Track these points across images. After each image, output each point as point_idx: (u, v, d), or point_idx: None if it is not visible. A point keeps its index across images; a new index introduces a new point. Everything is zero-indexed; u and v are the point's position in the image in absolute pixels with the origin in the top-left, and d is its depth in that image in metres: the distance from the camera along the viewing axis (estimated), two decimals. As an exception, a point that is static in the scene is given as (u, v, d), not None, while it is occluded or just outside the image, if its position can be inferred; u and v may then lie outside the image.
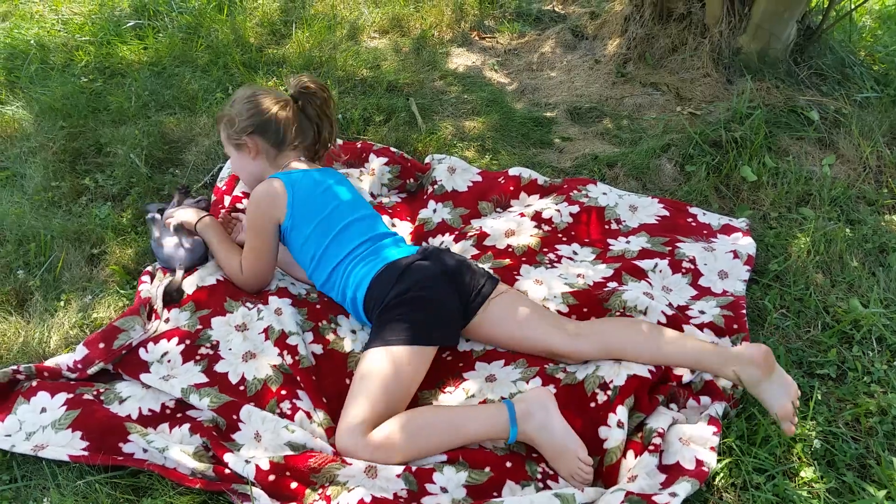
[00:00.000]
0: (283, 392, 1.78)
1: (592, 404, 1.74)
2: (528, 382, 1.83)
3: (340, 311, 2.09)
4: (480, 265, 2.12)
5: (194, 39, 3.41)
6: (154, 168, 2.62)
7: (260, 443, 1.64)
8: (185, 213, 2.19)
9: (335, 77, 3.22)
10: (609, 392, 1.75)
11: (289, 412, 1.74)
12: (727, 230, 2.46)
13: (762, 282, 2.28)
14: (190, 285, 2.04)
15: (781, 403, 1.71)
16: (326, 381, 1.85)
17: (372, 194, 2.57)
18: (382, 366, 1.72)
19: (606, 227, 2.43)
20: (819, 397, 1.85)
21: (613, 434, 1.67)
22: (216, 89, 3.06)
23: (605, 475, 1.64)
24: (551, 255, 2.28)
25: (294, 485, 1.54)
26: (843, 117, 3.04)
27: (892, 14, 4.00)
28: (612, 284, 2.13)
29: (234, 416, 1.70)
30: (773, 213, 2.61)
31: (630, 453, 1.65)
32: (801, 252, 2.39)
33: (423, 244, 2.32)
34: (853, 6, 3.45)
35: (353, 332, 2.03)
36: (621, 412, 1.69)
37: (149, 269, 2.12)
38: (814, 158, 2.89)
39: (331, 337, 1.98)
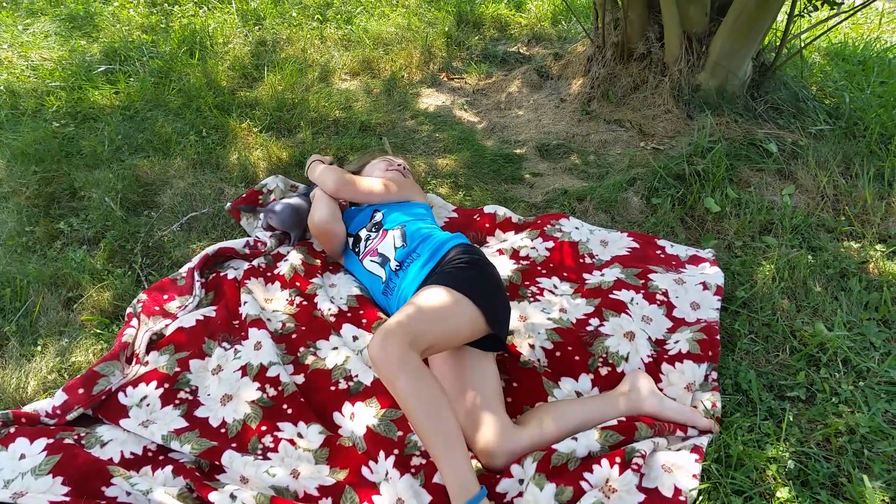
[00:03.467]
0: (264, 428, 1.79)
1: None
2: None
3: (320, 335, 2.11)
4: None
5: (166, 83, 3.44)
6: (129, 211, 2.62)
7: (246, 485, 1.64)
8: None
9: (308, 118, 3.27)
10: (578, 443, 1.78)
11: (271, 445, 1.74)
12: (695, 261, 2.54)
13: (730, 308, 2.35)
14: (171, 327, 2.04)
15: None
16: (315, 398, 1.88)
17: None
18: (437, 297, 1.79)
19: (581, 260, 2.49)
20: (791, 419, 1.91)
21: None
22: (189, 132, 3.08)
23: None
24: (533, 289, 2.33)
25: (282, 523, 1.55)
26: (800, 149, 3.18)
27: (838, 51, 4.19)
28: (594, 321, 2.17)
29: (217, 462, 1.70)
30: (737, 241, 2.70)
31: (605, 462, 1.68)
32: (766, 279, 2.47)
33: None
34: (803, 45, 3.62)
35: (335, 348, 2.05)
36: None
37: (130, 310, 2.12)
38: (774, 189, 3.00)
39: (310, 360, 2.01)
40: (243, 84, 3.61)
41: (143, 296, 2.17)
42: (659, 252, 2.58)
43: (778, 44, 3.44)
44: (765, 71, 3.44)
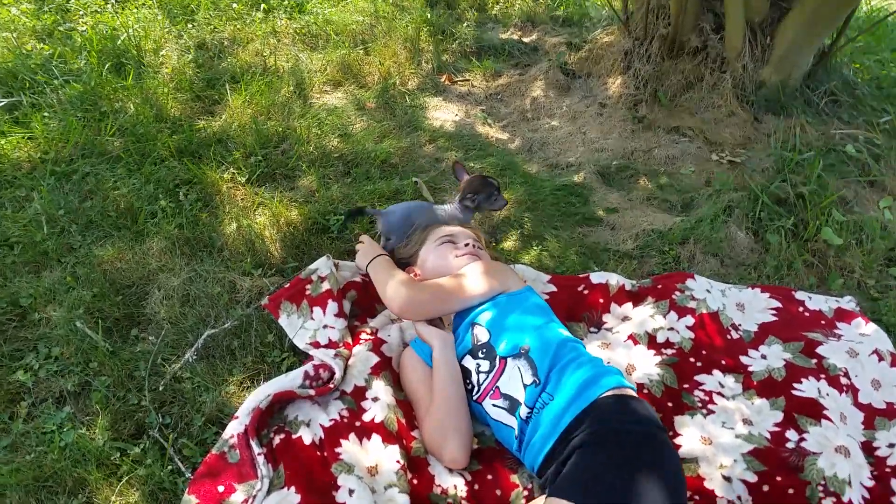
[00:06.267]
0: None
1: None
2: None
3: None
4: None
5: (99, 119, 2.57)
6: (113, 335, 1.85)
7: None
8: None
9: (308, 157, 2.53)
10: None
11: None
12: (843, 316, 2.11)
13: (905, 378, 1.94)
14: None
15: None
16: None
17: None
18: None
19: (728, 336, 1.99)
20: None
21: None
22: (155, 192, 2.28)
23: None
24: (699, 394, 1.81)
25: None
26: (878, 148, 2.80)
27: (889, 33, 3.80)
28: (792, 435, 1.69)
29: None
30: (868, 279, 2.29)
31: None
32: (925, 331, 2.08)
33: None
34: (862, 28, 3.24)
35: None
36: None
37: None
38: (869, 202, 2.62)
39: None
40: (200, 110, 2.79)
41: (191, 498, 1.46)
42: (802, 310, 2.13)
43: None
44: (820, 58, 3.00)
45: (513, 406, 1.60)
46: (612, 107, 2.89)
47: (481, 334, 1.73)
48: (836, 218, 2.44)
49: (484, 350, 1.70)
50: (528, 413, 1.56)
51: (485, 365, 1.68)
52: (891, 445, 1.74)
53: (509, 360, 1.65)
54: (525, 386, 1.60)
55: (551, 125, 2.88)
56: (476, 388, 1.68)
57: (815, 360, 1.91)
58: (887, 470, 1.68)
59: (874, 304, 2.20)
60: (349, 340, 1.87)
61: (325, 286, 1.93)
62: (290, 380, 1.70)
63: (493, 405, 1.64)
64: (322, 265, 1.98)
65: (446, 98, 3.05)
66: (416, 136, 2.74)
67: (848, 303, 2.16)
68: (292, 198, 2.35)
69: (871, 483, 1.64)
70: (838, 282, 2.28)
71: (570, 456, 1.44)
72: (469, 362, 1.72)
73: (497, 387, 1.64)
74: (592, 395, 1.51)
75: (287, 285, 1.94)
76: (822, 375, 1.86)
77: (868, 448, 1.74)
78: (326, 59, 3.14)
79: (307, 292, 1.93)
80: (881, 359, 1.95)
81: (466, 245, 1.93)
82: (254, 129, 2.59)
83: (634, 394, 1.57)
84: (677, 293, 2.05)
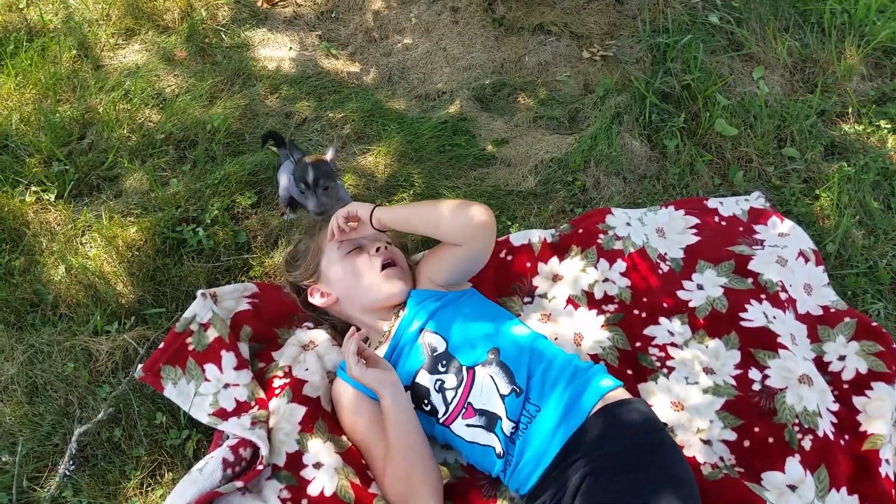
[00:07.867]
0: None
1: None
2: None
3: None
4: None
5: None
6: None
7: None
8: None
9: (126, 147, 2.01)
10: None
11: None
12: (757, 217, 2.07)
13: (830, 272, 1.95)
14: None
15: None
16: None
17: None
18: None
19: (659, 271, 1.86)
20: None
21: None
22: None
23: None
24: (654, 351, 1.69)
25: None
26: (738, 11, 2.70)
27: None
28: (755, 374, 1.63)
29: None
30: (766, 166, 2.24)
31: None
32: (831, 214, 2.08)
33: None
34: None
35: None
36: None
37: None
38: (742, 74, 2.53)
39: None
40: (-40, 105, 2.13)
41: None
42: (718, 219, 2.05)
43: None
44: None
45: (491, 422, 1.39)
46: (466, 10, 2.53)
47: (436, 343, 1.47)
48: (721, 102, 2.33)
49: (444, 362, 1.45)
50: (514, 428, 1.36)
51: (450, 380, 1.43)
52: (841, 358, 1.74)
53: (478, 368, 1.42)
54: (503, 396, 1.38)
55: (405, 44, 2.48)
56: (443, 410, 1.44)
57: (750, 279, 1.84)
58: (845, 387, 1.70)
59: (779, 194, 2.16)
60: (261, 395, 1.54)
61: (212, 334, 1.56)
62: (206, 476, 1.36)
63: (468, 425, 1.41)
64: (199, 309, 1.59)
65: (272, 28, 2.53)
66: (252, 88, 2.27)
67: (757, 199, 2.11)
68: (124, 210, 1.87)
69: (836, 407, 1.64)
70: (739, 175, 2.20)
71: (576, 488, 1.26)
72: (425, 379, 1.46)
73: (469, 403, 1.41)
74: (580, 417, 1.32)
75: (161, 345, 1.54)
76: (763, 295, 1.80)
77: (821, 364, 1.74)
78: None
79: (190, 348, 1.55)
80: (807, 260, 1.93)
81: (378, 250, 1.61)
82: (44, 122, 2.01)
83: (622, 393, 1.40)
84: (601, 236, 1.87)
